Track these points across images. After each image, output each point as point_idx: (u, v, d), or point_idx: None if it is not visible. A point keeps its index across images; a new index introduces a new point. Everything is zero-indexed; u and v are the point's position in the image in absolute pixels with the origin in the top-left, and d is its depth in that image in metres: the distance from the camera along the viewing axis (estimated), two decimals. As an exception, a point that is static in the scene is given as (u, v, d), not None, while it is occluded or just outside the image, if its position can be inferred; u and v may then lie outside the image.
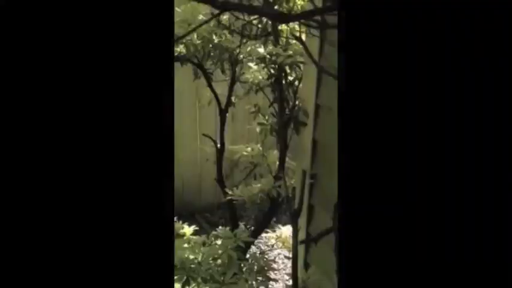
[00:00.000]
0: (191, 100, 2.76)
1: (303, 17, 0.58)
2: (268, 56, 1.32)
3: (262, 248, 2.20)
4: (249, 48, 1.40)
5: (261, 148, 1.59)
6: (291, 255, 2.07)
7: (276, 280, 1.90)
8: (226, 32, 1.32)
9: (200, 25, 0.85)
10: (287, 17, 0.74)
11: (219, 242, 1.23)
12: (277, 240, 1.75)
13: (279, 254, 2.22)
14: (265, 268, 1.25)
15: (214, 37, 1.31)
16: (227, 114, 1.60)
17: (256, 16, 1.19)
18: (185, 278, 1.08)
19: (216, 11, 0.72)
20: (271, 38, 1.31)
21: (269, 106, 1.51)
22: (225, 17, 1.32)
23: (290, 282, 1.95)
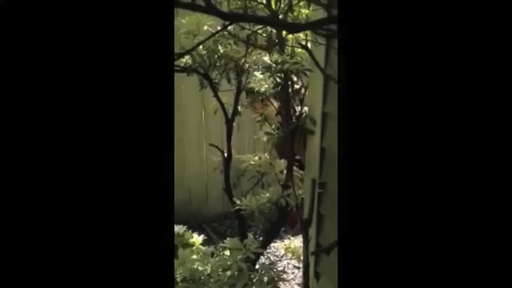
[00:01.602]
0: (197, 110, 2.77)
1: (313, 26, 0.58)
2: (273, 65, 1.32)
3: (272, 258, 2.18)
4: (254, 57, 1.40)
5: (268, 157, 1.58)
6: (300, 265, 2.05)
7: (286, 291, 1.88)
8: (231, 41, 1.33)
9: (209, 37, 0.85)
10: (296, 26, 0.74)
11: (227, 252, 1.21)
12: (287, 251, 1.73)
13: (288, 263, 2.20)
14: (276, 279, 1.23)
15: (219, 47, 1.31)
16: (234, 124, 1.59)
17: (261, 26, 1.19)
18: (195, 290, 1.06)
19: (223, 22, 0.72)
20: (277, 47, 1.31)
21: (275, 115, 1.51)
22: (230, 27, 1.32)
23: (300, 293, 1.92)
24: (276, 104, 1.52)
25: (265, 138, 1.41)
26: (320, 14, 0.84)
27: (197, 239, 1.33)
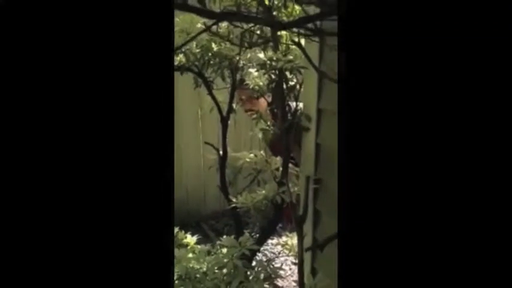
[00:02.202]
0: (193, 108, 2.76)
1: (299, 24, 0.58)
2: (268, 62, 1.31)
3: (269, 255, 2.18)
4: (249, 55, 1.40)
5: (263, 154, 1.58)
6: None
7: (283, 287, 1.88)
8: (225, 40, 1.32)
9: (195, 36, 0.85)
10: (283, 24, 0.74)
11: (224, 250, 1.22)
12: (284, 247, 1.73)
13: (285, 260, 2.20)
14: (272, 276, 1.23)
15: (213, 45, 1.31)
16: (229, 121, 1.59)
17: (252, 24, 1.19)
18: (191, 288, 1.07)
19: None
20: (271, 44, 1.31)
21: (270, 112, 1.51)
22: (223, 24, 1.32)
23: (298, 289, 1.93)
24: (264, 101, 1.52)
25: (260, 135, 1.41)
26: (312, 11, 0.84)
27: (191, 239, 1.33)
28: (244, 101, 1.69)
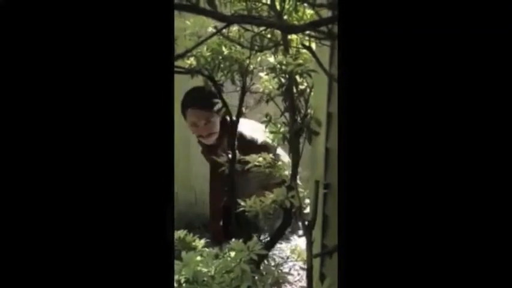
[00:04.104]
0: (203, 111, 2.77)
1: (309, 27, 0.58)
2: (278, 66, 1.31)
3: (277, 259, 2.17)
4: (259, 59, 1.40)
5: (273, 157, 1.57)
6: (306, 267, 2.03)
7: (291, 292, 1.87)
8: (235, 43, 1.33)
9: (205, 39, 0.85)
10: (293, 28, 0.73)
11: (232, 254, 1.21)
12: (292, 252, 1.72)
13: (294, 265, 2.19)
14: (280, 281, 1.22)
15: (224, 49, 1.31)
16: (238, 124, 1.59)
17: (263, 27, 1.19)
18: (198, 291, 1.06)
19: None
20: (281, 47, 1.30)
21: (280, 115, 1.50)
22: (234, 28, 1.32)
23: (306, 295, 1.91)
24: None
25: (269, 138, 1.41)
26: (324, 15, 0.84)
27: (199, 242, 1.33)
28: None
